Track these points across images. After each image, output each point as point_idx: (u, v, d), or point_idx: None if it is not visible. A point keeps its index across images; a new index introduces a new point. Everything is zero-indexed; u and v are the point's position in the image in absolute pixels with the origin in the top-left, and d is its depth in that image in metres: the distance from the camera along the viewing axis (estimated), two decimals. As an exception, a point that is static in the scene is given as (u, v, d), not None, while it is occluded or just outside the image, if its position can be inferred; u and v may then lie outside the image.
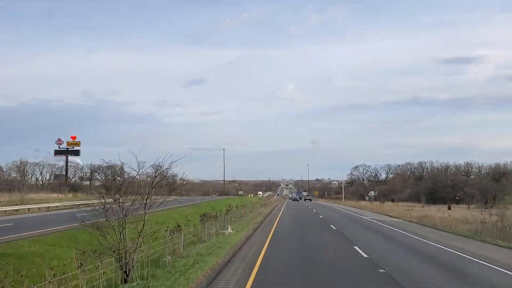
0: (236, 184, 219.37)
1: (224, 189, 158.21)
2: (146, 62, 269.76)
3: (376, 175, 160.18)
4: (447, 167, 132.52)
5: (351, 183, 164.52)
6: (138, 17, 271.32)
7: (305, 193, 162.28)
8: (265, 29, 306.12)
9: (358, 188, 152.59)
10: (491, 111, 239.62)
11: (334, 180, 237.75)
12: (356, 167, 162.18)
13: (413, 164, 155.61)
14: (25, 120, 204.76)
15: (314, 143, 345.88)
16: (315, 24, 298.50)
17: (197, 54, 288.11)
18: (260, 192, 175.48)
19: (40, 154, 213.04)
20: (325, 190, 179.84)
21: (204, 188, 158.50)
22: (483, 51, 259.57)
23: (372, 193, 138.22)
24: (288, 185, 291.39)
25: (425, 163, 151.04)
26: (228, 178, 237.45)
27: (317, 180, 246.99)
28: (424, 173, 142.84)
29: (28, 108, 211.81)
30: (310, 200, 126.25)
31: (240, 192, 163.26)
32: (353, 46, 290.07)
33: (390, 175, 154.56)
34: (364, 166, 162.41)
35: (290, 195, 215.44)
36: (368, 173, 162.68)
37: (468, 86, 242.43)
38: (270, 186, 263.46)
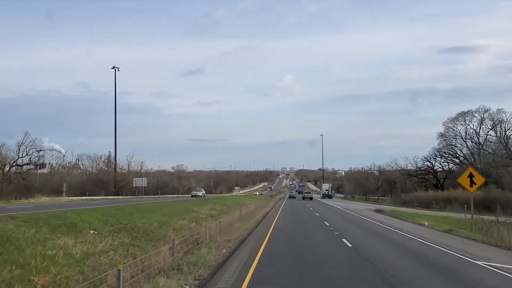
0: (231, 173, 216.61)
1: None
2: (143, 54, 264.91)
3: (506, 133, 70.53)
4: None
5: (431, 163, 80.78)
6: (136, 8, 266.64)
7: (326, 186, 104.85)
8: (262, 19, 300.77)
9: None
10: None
11: (339, 170, 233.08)
12: (462, 114, 75.83)
13: None
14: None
15: (314, 133, 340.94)
16: (313, 13, 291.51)
17: (195, 45, 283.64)
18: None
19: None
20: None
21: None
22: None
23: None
24: (288, 174, 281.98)
25: None
26: (226, 168, 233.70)
27: (320, 170, 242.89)
28: None
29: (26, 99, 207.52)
30: (311, 199, 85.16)
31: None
32: (351, 36, 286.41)
33: None
34: (484, 110, 73.71)
35: (291, 184, 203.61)
36: (492, 137, 73.39)
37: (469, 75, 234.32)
38: (268, 176, 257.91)
